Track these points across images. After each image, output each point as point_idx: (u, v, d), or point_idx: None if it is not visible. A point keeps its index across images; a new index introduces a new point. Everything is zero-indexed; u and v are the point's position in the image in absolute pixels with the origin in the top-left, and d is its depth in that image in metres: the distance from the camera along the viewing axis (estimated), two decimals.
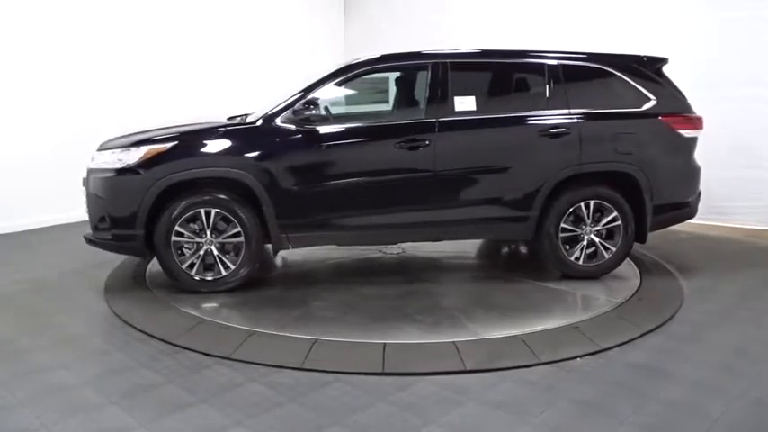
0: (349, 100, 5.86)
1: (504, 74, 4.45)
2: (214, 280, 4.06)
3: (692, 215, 4.58)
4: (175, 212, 3.93)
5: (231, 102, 6.08)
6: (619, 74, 4.28)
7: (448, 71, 4.16)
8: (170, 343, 3.30)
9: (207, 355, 3.15)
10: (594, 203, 4.22)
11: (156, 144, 3.95)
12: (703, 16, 5.91)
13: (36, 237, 5.97)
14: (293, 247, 4.25)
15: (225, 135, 4.05)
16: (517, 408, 2.64)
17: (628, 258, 4.49)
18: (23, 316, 3.80)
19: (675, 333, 3.49)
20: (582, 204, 4.21)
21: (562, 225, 4.21)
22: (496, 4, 7.43)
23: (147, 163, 3.89)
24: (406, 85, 4.92)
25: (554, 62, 4.28)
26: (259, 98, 4.68)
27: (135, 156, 3.92)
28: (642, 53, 4.44)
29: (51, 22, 6.24)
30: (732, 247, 5.49)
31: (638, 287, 4.22)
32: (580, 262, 4.28)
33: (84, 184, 4.18)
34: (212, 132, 4.07)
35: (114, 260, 4.87)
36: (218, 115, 4.54)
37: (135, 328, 3.53)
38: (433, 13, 8.02)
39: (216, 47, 7.65)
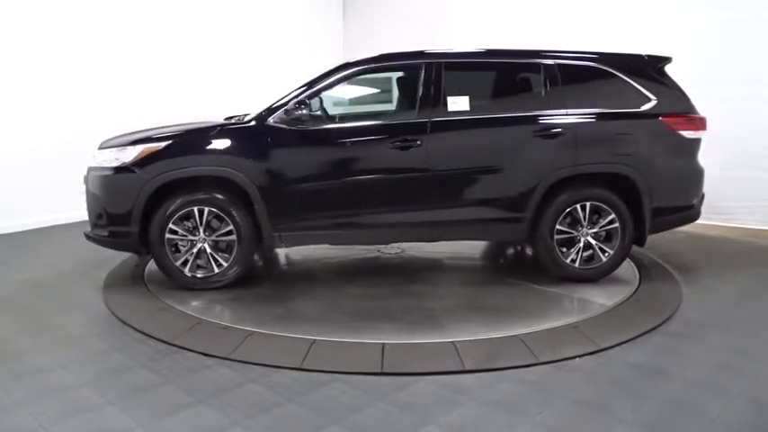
0: (352, 100, 5.86)
1: (499, 73, 4.41)
2: (205, 277, 4.11)
3: (694, 218, 4.46)
4: (169, 210, 3.99)
5: (231, 102, 6.09)
6: (617, 73, 4.21)
7: (441, 71, 4.14)
8: (168, 343, 3.30)
9: (205, 355, 3.15)
10: (591, 205, 4.15)
11: (151, 143, 4.02)
12: (703, 16, 5.91)
13: (35, 237, 5.98)
14: (285, 246, 4.28)
15: (218, 135, 4.09)
16: (516, 407, 2.63)
17: (627, 258, 4.44)
18: (22, 316, 3.80)
19: (674, 333, 3.48)
20: (578, 206, 4.14)
21: (557, 227, 4.15)
22: (496, 2, 7.43)
23: (142, 162, 3.97)
24: (403, 85, 4.93)
25: (550, 61, 4.22)
26: (258, 98, 4.68)
27: (130, 154, 4.00)
28: (644, 52, 4.36)
29: (52, 22, 6.24)
30: (731, 247, 5.49)
31: (637, 287, 4.21)
32: (576, 264, 4.21)
33: (84, 182, 4.26)
34: (206, 132, 4.12)
35: (113, 260, 4.87)
36: (216, 115, 4.58)
37: (133, 328, 3.53)
38: (432, 13, 8.02)
39: (215, 47, 7.66)
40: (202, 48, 7.52)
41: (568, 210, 4.14)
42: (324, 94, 4.22)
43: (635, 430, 2.46)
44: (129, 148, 4.02)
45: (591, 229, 4.20)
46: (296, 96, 4.08)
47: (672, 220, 4.39)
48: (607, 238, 4.23)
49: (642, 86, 4.21)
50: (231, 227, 4.05)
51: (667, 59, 4.36)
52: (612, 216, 4.15)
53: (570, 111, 4.15)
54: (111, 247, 4.25)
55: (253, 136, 4.06)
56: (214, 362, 3.08)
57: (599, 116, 4.19)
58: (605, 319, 3.63)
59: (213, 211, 4.03)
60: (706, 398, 2.72)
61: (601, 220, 4.19)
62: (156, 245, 4.02)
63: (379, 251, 5.19)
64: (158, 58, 7.11)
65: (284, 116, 4.04)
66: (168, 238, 4.03)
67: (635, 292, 4.12)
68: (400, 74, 4.94)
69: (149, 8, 7.04)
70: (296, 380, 2.89)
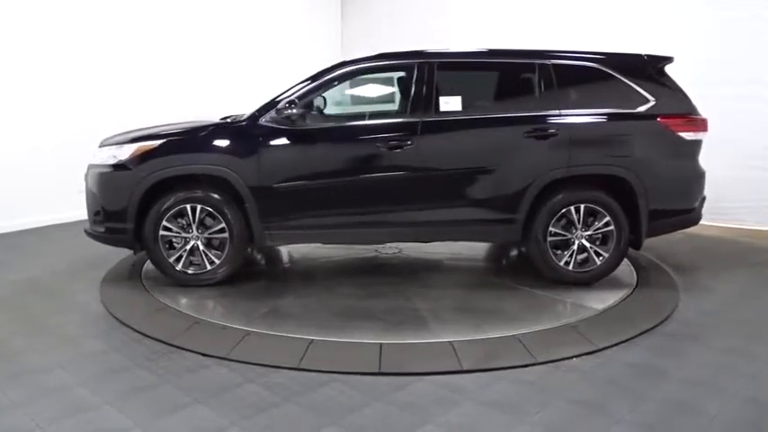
0: (354, 100, 5.84)
1: (493, 73, 4.36)
2: (195, 274, 4.17)
3: (695, 221, 4.36)
4: (162, 208, 4.05)
5: (230, 101, 6.09)
6: (614, 74, 4.13)
7: (434, 71, 4.12)
8: (166, 343, 3.30)
9: (203, 355, 3.15)
10: (585, 207, 4.07)
11: (146, 141, 4.09)
12: (703, 16, 5.90)
13: (33, 237, 5.97)
14: (276, 245, 4.34)
15: (211, 133, 4.14)
16: (514, 407, 2.63)
17: (623, 260, 4.39)
18: (19, 316, 3.79)
19: (672, 333, 3.48)
20: (572, 208, 4.07)
21: (551, 229, 4.09)
22: (496, 1, 7.42)
23: (137, 159, 4.04)
24: (401, 85, 4.91)
25: (545, 61, 4.15)
26: (257, 97, 4.68)
27: (126, 152, 4.08)
28: (643, 52, 4.28)
29: (51, 22, 6.23)
30: (729, 247, 5.49)
31: (635, 287, 4.20)
32: (570, 267, 4.14)
33: (84, 180, 4.34)
34: (200, 131, 4.18)
35: (111, 260, 4.87)
36: (215, 115, 4.61)
37: (131, 328, 3.53)
38: (431, 12, 8.02)
39: (214, 47, 7.66)
40: (201, 48, 7.52)
41: (562, 212, 4.09)
42: (326, 94, 4.22)
43: (633, 430, 2.46)
44: (126, 146, 4.10)
45: (585, 231, 4.13)
46: (287, 96, 4.10)
47: (671, 223, 4.30)
48: (603, 241, 4.15)
49: (640, 87, 4.13)
50: (223, 224, 4.11)
51: (668, 59, 4.27)
52: (608, 219, 4.08)
53: (564, 111, 4.09)
54: (108, 243, 4.31)
55: (245, 135, 4.09)
56: (212, 362, 3.08)
57: (594, 117, 4.12)
58: (603, 320, 3.63)
59: (206, 209, 4.09)
60: (704, 398, 2.71)
61: (596, 223, 4.11)
62: (150, 241, 4.10)
63: (377, 251, 5.19)
64: (157, 58, 7.11)
65: (275, 115, 4.06)
66: (162, 235, 4.10)
67: (632, 292, 4.11)
68: (401, 74, 4.93)
69: (149, 8, 7.03)
70: (294, 380, 2.89)
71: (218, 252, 4.16)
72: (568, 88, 4.14)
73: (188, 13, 7.42)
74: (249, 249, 4.62)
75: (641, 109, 4.12)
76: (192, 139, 4.16)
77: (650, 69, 4.22)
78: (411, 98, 4.14)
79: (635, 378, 2.91)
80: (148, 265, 4.56)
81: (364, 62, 4.26)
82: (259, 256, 5.19)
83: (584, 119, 4.11)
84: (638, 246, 4.23)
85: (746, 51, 5.61)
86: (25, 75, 6.11)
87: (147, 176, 4.01)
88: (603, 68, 4.16)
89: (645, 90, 4.14)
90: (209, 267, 4.16)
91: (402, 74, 4.85)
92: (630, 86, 4.13)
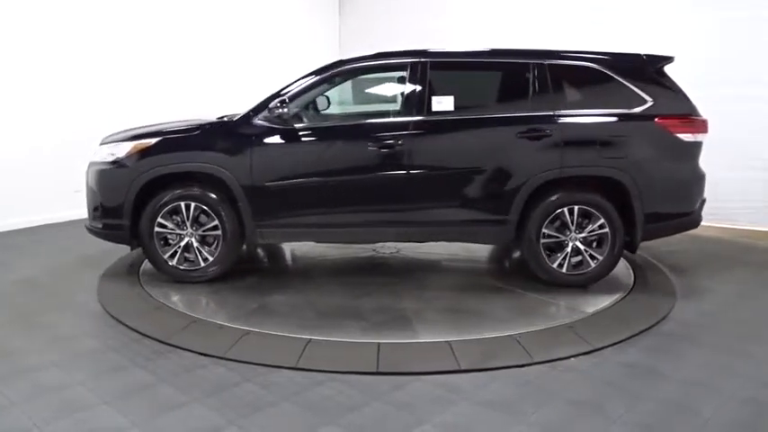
0: (356, 99, 5.82)
1: (488, 73, 4.32)
2: (187, 270, 4.24)
3: (694, 225, 4.27)
4: (157, 205, 4.13)
5: (229, 100, 6.07)
6: (611, 74, 4.07)
7: (427, 70, 4.10)
8: (164, 342, 3.30)
9: (201, 354, 3.15)
10: (579, 209, 4.01)
11: (142, 139, 4.16)
12: (703, 16, 5.89)
13: (31, 236, 5.96)
14: (268, 243, 4.48)
15: (206, 132, 4.21)
16: (511, 407, 2.64)
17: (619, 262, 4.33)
18: (16, 315, 3.79)
19: (669, 333, 3.48)
20: (566, 210, 4.02)
21: (544, 230, 4.04)
22: (495, 1, 7.42)
23: (133, 157, 4.13)
24: (395, 85, 4.92)
25: (540, 61, 4.10)
26: (255, 97, 4.68)
27: (123, 150, 4.17)
28: (642, 52, 4.22)
29: (51, 22, 6.23)
30: (727, 248, 5.49)
31: (632, 287, 4.20)
32: (563, 270, 4.09)
33: (85, 177, 4.42)
34: (195, 129, 4.23)
35: (108, 259, 4.88)
36: (211, 114, 4.61)
37: (128, 327, 3.53)
38: (430, 11, 8.01)
39: (213, 47, 7.66)
40: (200, 47, 7.51)
41: (556, 213, 4.04)
42: (321, 93, 4.22)
43: (630, 430, 2.46)
44: (123, 143, 4.19)
45: (580, 233, 4.07)
46: (280, 95, 4.10)
47: (669, 226, 4.22)
48: (598, 243, 4.09)
49: (637, 87, 4.05)
50: (216, 222, 4.15)
51: (668, 59, 4.18)
52: (602, 221, 4.02)
53: (559, 112, 4.03)
54: (106, 239, 4.38)
55: (238, 134, 4.12)
56: (209, 361, 3.08)
57: (588, 118, 4.05)
58: (600, 320, 3.63)
59: (200, 207, 4.15)
60: (700, 398, 2.72)
61: (590, 225, 4.06)
62: (145, 238, 4.18)
63: (374, 251, 5.19)
64: (156, 58, 7.11)
65: (268, 114, 4.07)
66: (157, 232, 4.17)
67: (630, 292, 4.11)
68: (402, 73, 4.91)
69: (148, 8, 7.02)
70: (291, 379, 2.89)
71: (212, 249, 4.21)
72: (563, 89, 4.09)
73: (186, 12, 7.41)
74: (244, 247, 4.64)
75: (638, 110, 4.04)
76: (187, 138, 4.21)
77: (649, 69, 4.15)
78: (404, 98, 4.14)
79: (632, 378, 2.91)
80: (146, 264, 4.57)
81: (359, 61, 4.26)
82: (261, 254, 5.20)
83: (578, 119, 4.06)
84: (633, 249, 4.18)
85: (746, 51, 5.61)
86: (25, 75, 6.10)
87: (143, 174, 4.09)
88: (600, 69, 4.09)
89: (643, 90, 4.06)
90: (202, 264, 4.21)
91: (397, 74, 4.85)
92: (627, 87, 4.05)
